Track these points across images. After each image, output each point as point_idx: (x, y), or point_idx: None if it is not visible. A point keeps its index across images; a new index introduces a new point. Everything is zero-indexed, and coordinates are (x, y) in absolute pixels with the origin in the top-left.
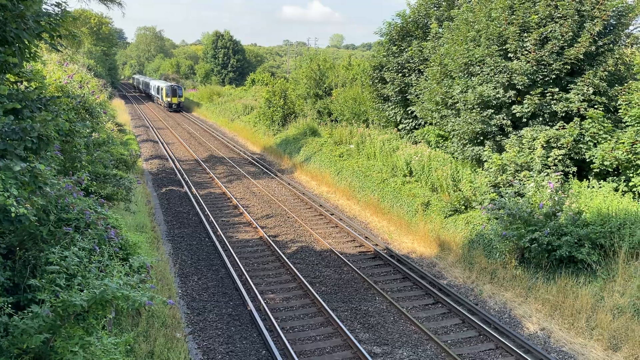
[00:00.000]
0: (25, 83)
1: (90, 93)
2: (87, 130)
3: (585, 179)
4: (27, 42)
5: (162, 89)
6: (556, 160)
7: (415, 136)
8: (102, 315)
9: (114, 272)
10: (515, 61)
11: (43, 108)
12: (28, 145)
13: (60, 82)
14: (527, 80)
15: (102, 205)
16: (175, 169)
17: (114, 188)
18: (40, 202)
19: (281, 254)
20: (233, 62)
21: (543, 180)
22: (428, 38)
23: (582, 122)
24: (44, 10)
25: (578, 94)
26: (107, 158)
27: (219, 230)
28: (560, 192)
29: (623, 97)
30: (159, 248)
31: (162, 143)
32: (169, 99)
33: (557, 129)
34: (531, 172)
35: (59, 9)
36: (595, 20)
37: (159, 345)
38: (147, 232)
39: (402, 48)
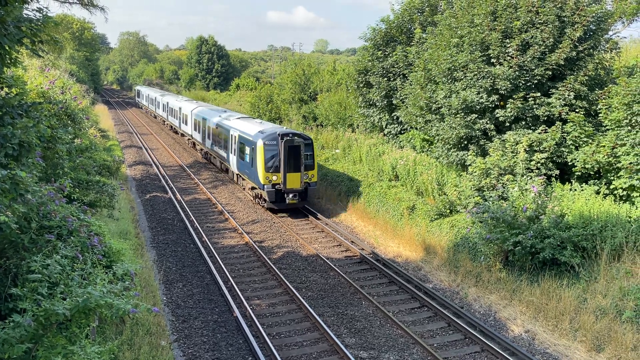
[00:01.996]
0: (5, 89)
1: (72, 99)
2: (69, 137)
3: (567, 182)
4: (7, 48)
5: (254, 145)
6: (539, 164)
7: (400, 141)
8: (86, 324)
9: (97, 280)
10: (498, 66)
11: (24, 114)
12: (9, 152)
13: (41, 88)
14: (509, 85)
15: (85, 212)
16: (160, 175)
17: (97, 195)
18: (21, 210)
19: (267, 259)
20: (217, 67)
21: (526, 184)
22: (412, 43)
23: (564, 126)
24: (25, 16)
25: (559, 99)
26: (89, 164)
27: (204, 236)
28: (543, 195)
29: (603, 101)
30: (143, 255)
31: (146, 149)
32: (279, 179)
33: (539, 133)
34: (514, 176)
35: (41, 15)
36: (576, 26)
37: (144, 353)
38: (131, 239)
39: (386, 53)
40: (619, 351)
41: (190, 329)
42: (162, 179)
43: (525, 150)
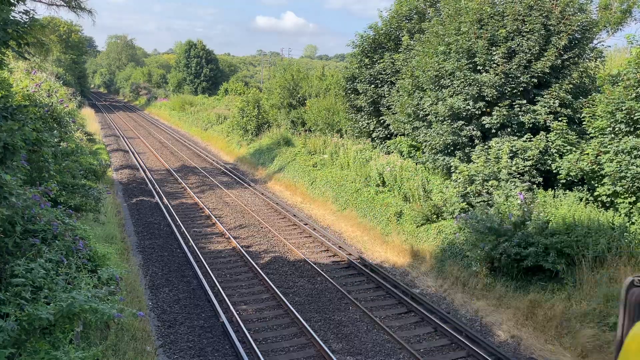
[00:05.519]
0: None
1: (58, 102)
2: (55, 140)
3: (551, 189)
4: None
5: None
6: (523, 171)
7: (387, 146)
8: (70, 329)
9: (82, 285)
10: (484, 74)
11: (9, 117)
12: None
13: (27, 90)
14: (495, 93)
15: (70, 216)
16: (147, 179)
17: (83, 198)
18: (5, 213)
19: (254, 264)
20: (206, 71)
21: (510, 191)
22: (400, 50)
23: (548, 135)
24: (11, 18)
25: (545, 106)
26: (75, 168)
27: (190, 241)
28: (528, 201)
29: (586, 109)
30: (129, 259)
31: (132, 152)
32: None
33: (524, 141)
34: (498, 182)
35: (27, 17)
36: (561, 35)
37: (129, 359)
38: (116, 244)
39: (374, 60)
40: (603, 357)
41: (176, 335)
42: (149, 183)
43: (508, 156)
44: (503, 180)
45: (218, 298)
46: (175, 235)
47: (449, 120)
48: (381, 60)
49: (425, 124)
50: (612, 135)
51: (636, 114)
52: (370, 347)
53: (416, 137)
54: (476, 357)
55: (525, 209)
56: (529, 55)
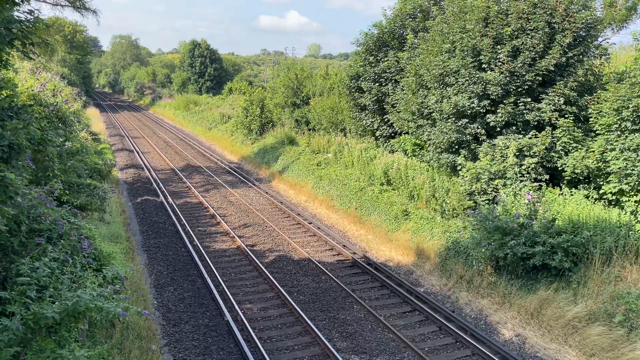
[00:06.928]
0: None
1: (63, 101)
2: (60, 139)
3: (557, 187)
4: None
5: None
6: (529, 169)
7: (392, 145)
8: (75, 328)
9: (87, 284)
10: (489, 72)
11: (14, 116)
12: None
13: (32, 90)
14: (500, 91)
15: (76, 215)
16: (151, 178)
17: (88, 198)
18: (11, 213)
19: (259, 263)
20: (210, 71)
21: (520, 190)
22: (404, 48)
23: (554, 131)
24: (15, 17)
25: (549, 104)
26: (80, 167)
27: (195, 240)
28: (535, 200)
29: (593, 106)
30: (134, 258)
31: (137, 152)
32: None
33: (529, 138)
34: (505, 181)
35: (32, 17)
36: (565, 33)
37: (134, 357)
38: (121, 243)
39: (378, 58)
40: (609, 356)
41: (181, 333)
42: (153, 182)
43: (515, 155)
44: (510, 179)
45: (223, 297)
46: (180, 234)
47: (454, 118)
48: (385, 59)
49: (430, 122)
50: (618, 133)
51: None
52: (374, 345)
53: (420, 135)
54: (481, 355)
55: (532, 209)
56: (534, 53)
